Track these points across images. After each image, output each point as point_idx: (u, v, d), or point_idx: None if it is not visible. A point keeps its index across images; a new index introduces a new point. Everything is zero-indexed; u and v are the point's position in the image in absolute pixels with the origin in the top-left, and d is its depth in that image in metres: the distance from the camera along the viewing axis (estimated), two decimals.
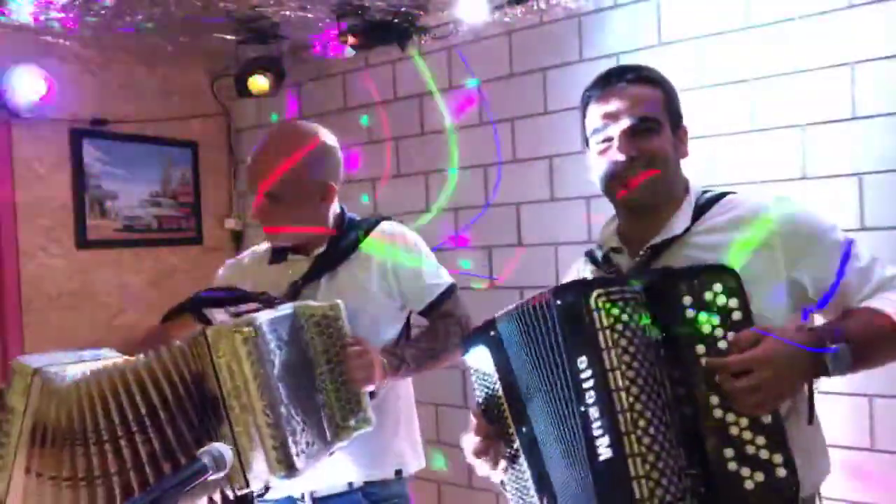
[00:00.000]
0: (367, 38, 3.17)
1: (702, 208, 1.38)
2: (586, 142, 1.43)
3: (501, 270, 3.05)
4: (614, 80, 1.38)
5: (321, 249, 1.80)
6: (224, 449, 1.19)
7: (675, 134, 1.39)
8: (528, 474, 1.29)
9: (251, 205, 1.85)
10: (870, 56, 2.25)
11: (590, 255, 1.50)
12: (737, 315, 1.16)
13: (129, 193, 3.59)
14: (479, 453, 1.33)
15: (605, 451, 1.12)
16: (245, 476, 1.35)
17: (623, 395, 1.12)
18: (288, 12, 3.01)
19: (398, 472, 1.80)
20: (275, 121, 3.76)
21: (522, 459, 1.29)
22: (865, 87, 2.27)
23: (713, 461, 1.13)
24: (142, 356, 1.43)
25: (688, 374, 1.16)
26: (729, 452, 1.13)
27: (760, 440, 1.12)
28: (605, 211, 1.52)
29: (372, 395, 1.66)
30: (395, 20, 3.10)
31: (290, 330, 1.51)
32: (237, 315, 1.53)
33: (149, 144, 3.65)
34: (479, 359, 1.35)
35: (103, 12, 2.91)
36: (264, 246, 1.92)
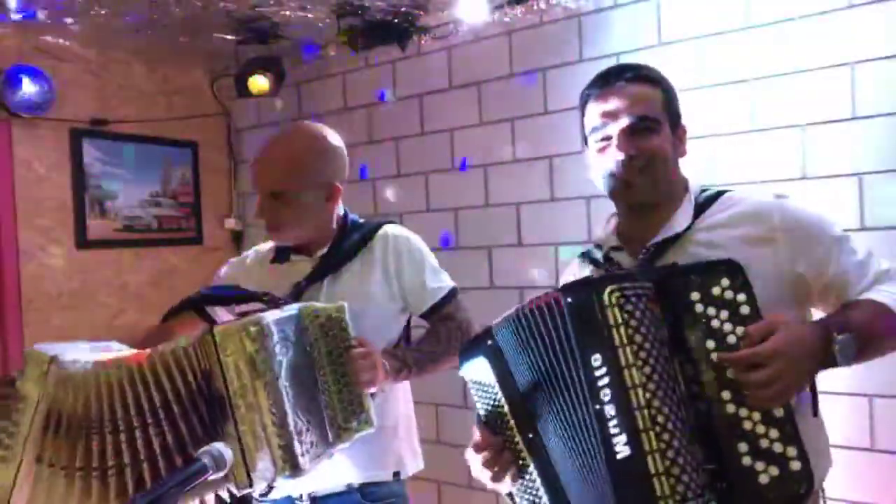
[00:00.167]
0: (367, 38, 3.17)
1: (702, 206, 1.38)
2: (585, 140, 1.43)
3: (501, 270, 3.05)
4: (613, 78, 1.38)
5: (324, 251, 1.81)
6: (224, 449, 1.19)
7: (674, 133, 1.39)
8: (538, 482, 1.27)
9: (252, 205, 1.84)
10: (870, 56, 2.25)
11: (588, 256, 1.50)
12: (745, 309, 1.15)
13: (129, 193, 3.59)
14: (487, 465, 1.31)
15: (622, 449, 1.11)
16: (249, 475, 1.35)
17: (640, 391, 1.11)
18: (288, 12, 3.01)
19: (396, 474, 1.80)
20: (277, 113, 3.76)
21: (532, 468, 1.27)
22: (865, 87, 2.27)
23: (727, 456, 1.13)
24: (153, 350, 1.44)
25: (699, 369, 1.16)
26: (743, 447, 1.12)
27: (774, 434, 1.12)
28: (605, 211, 1.53)
29: (371, 396, 1.66)
30: (395, 20, 3.10)
31: (296, 330, 1.51)
32: (241, 314, 1.53)
33: (149, 144, 3.65)
34: (478, 370, 1.33)
35: (103, 12, 2.91)
36: (267, 245, 1.93)
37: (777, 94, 2.41)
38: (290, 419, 1.40)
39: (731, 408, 1.13)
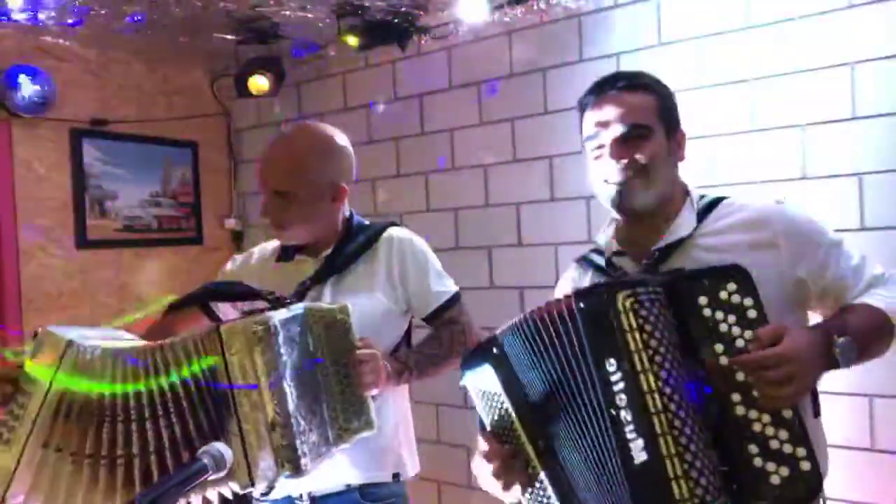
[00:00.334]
0: (367, 38, 3.17)
1: (703, 212, 1.41)
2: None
3: (501, 270, 3.05)
4: (607, 87, 1.41)
5: (328, 251, 1.81)
6: (224, 449, 1.19)
7: (670, 138, 1.41)
8: (550, 490, 1.26)
9: (253, 204, 1.84)
10: (870, 56, 2.26)
11: (587, 261, 1.50)
12: (752, 313, 1.17)
13: (129, 193, 3.59)
14: (497, 475, 1.29)
15: (639, 454, 1.11)
16: (251, 475, 1.35)
17: (656, 396, 1.11)
18: (288, 12, 3.01)
19: (396, 475, 1.80)
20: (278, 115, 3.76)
21: (542, 476, 1.27)
22: (865, 87, 2.27)
23: (738, 458, 1.13)
24: (163, 342, 1.44)
25: (709, 372, 1.16)
26: (753, 448, 1.13)
27: (783, 435, 1.13)
28: (606, 211, 1.53)
29: (372, 398, 1.66)
30: (395, 20, 3.10)
31: (301, 330, 1.51)
32: (246, 313, 1.53)
33: (149, 144, 3.65)
34: (483, 379, 1.32)
35: (104, 12, 2.91)
36: (273, 244, 1.93)
37: (777, 94, 2.41)
38: (293, 419, 1.40)
39: (740, 410, 1.14)
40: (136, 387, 1.40)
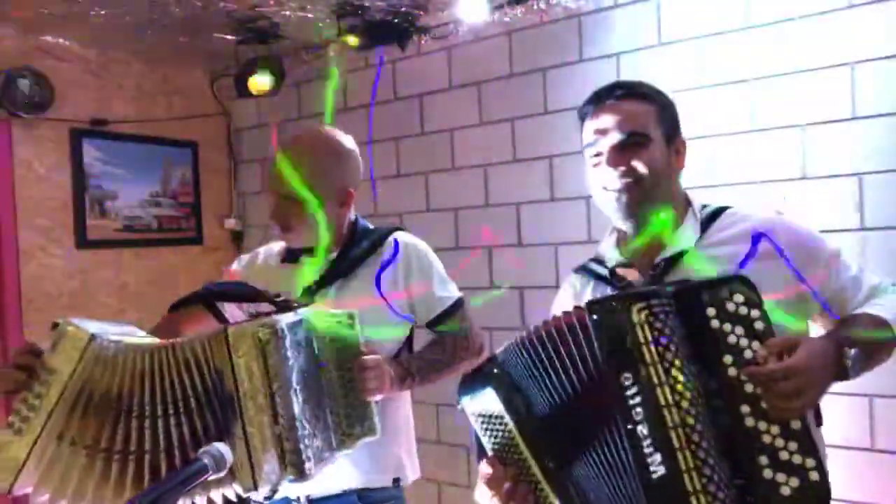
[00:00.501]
0: (367, 38, 3.17)
1: (706, 222, 1.41)
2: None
3: (501, 270, 3.05)
4: (605, 96, 1.42)
5: (333, 255, 1.81)
6: (224, 449, 1.19)
7: (669, 147, 1.41)
8: None
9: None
10: (870, 56, 2.25)
11: (589, 271, 1.50)
12: (759, 325, 1.16)
13: (129, 193, 3.59)
14: (504, 500, 1.26)
15: (657, 469, 1.10)
16: (255, 477, 1.35)
17: (674, 410, 1.10)
18: (288, 12, 3.01)
19: (396, 481, 1.80)
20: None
21: (552, 498, 1.24)
22: (865, 87, 2.27)
23: (749, 470, 1.13)
24: (174, 341, 1.44)
25: (720, 384, 1.15)
26: (764, 460, 1.12)
27: (793, 446, 1.12)
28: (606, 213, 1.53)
29: (375, 403, 1.66)
30: (395, 20, 3.10)
31: (307, 335, 1.52)
32: (254, 315, 1.53)
33: (149, 144, 3.65)
34: (483, 402, 1.28)
35: (103, 12, 2.91)
36: (278, 245, 1.93)
37: (777, 94, 2.41)
38: (298, 423, 1.40)
39: (750, 421, 1.13)
40: (151, 383, 1.41)
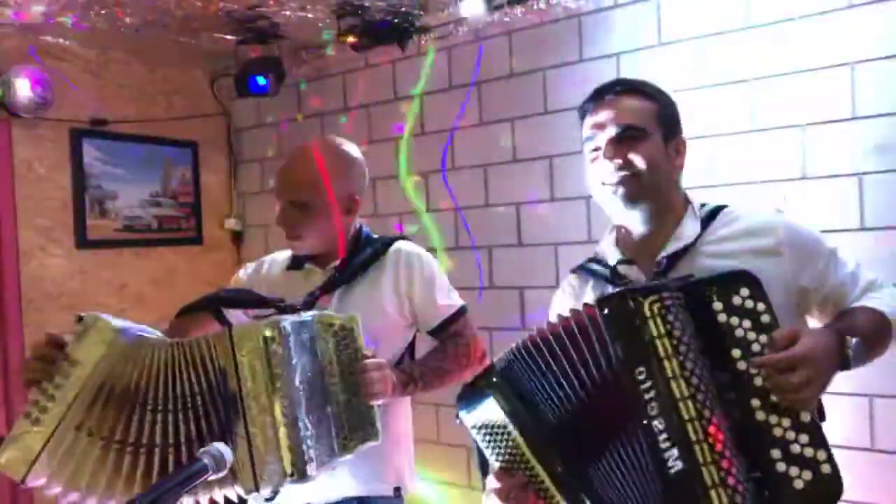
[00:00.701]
0: (367, 38, 3.17)
1: (706, 219, 1.41)
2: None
3: (501, 270, 3.05)
4: (605, 92, 1.43)
5: (336, 262, 1.82)
6: (224, 449, 1.19)
7: (668, 145, 1.41)
8: None
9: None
10: (870, 56, 2.25)
11: (587, 271, 1.49)
12: (765, 318, 1.17)
13: (129, 193, 3.59)
14: None
15: (675, 464, 1.08)
16: (256, 478, 1.35)
17: (689, 403, 1.10)
18: (288, 12, 3.01)
19: (397, 490, 1.80)
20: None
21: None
22: (865, 87, 2.27)
23: (761, 464, 1.12)
24: (181, 339, 1.46)
25: (730, 378, 1.15)
26: (776, 453, 1.12)
27: (804, 439, 1.12)
28: (606, 212, 1.53)
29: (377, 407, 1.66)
30: (395, 20, 3.10)
31: (310, 337, 1.52)
32: (259, 318, 1.54)
33: (149, 144, 3.65)
34: (484, 412, 1.26)
35: (103, 12, 2.91)
36: (284, 254, 1.95)
37: (777, 94, 2.41)
38: (301, 423, 1.40)
39: (760, 415, 1.13)
40: (165, 378, 1.42)
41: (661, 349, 1.12)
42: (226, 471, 1.18)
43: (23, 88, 3.08)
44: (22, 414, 1.42)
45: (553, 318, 1.28)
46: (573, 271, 1.54)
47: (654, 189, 1.38)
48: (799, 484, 1.11)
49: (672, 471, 1.09)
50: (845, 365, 1.20)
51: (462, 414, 1.30)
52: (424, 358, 1.84)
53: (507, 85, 3.02)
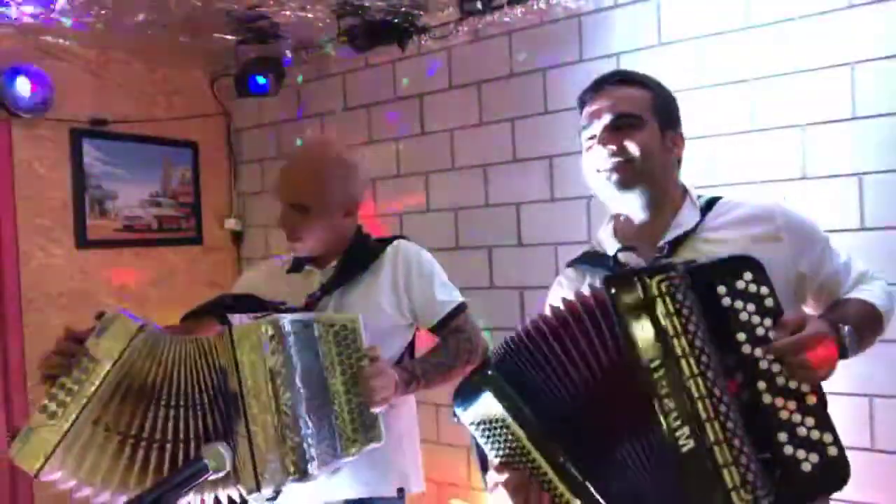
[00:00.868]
0: (367, 38, 3.17)
1: (704, 208, 1.42)
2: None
3: (501, 270, 3.05)
4: (603, 82, 1.45)
5: (335, 263, 1.83)
6: (224, 448, 1.19)
7: (664, 134, 1.41)
8: None
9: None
10: (870, 56, 2.25)
11: (585, 262, 1.49)
12: (769, 301, 1.16)
13: (129, 193, 3.59)
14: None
15: (686, 442, 1.07)
16: (257, 477, 1.35)
17: (700, 381, 1.08)
18: (288, 12, 3.01)
19: (400, 491, 1.80)
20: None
21: (569, 496, 1.17)
22: (865, 87, 2.27)
23: (768, 446, 1.12)
24: (186, 337, 1.47)
25: (738, 359, 1.15)
26: (783, 436, 1.11)
27: (810, 421, 1.12)
28: (605, 210, 1.53)
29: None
30: (395, 20, 3.10)
31: (311, 336, 1.52)
32: (259, 317, 1.54)
33: (149, 144, 3.65)
34: (482, 407, 1.22)
35: (103, 12, 2.91)
36: (285, 257, 1.95)
37: (777, 94, 2.41)
38: (302, 422, 1.40)
39: (767, 398, 1.13)
40: (178, 374, 1.43)
41: (670, 328, 1.11)
42: (227, 470, 1.18)
43: (23, 88, 3.08)
44: (38, 408, 1.42)
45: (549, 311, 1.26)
46: (569, 265, 1.53)
47: (648, 175, 1.38)
48: (807, 467, 1.10)
49: (684, 449, 1.08)
50: (843, 354, 1.21)
51: (459, 411, 1.27)
52: (426, 355, 1.84)
53: (507, 85, 3.02)
